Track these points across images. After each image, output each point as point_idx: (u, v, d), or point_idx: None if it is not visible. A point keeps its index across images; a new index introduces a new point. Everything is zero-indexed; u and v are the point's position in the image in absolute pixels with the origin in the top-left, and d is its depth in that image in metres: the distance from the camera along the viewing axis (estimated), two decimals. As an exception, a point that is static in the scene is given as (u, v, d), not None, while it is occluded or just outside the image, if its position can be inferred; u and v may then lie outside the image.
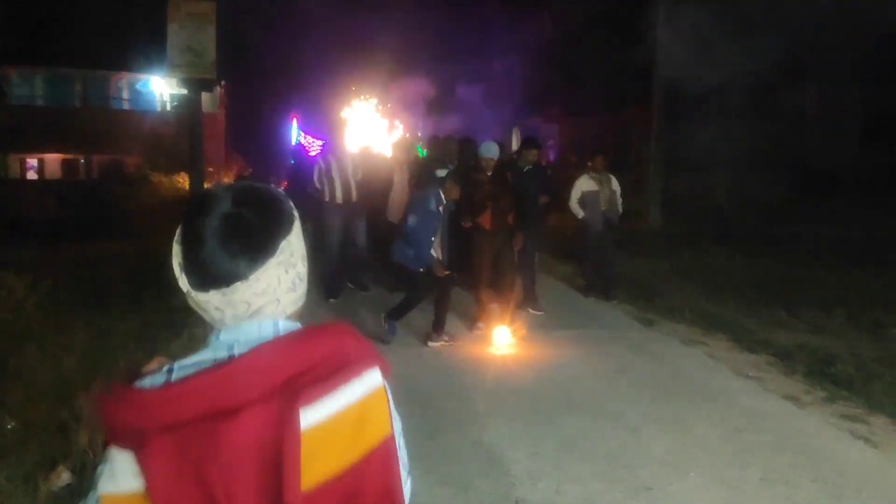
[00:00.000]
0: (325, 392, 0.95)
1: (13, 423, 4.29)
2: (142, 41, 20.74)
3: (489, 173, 6.93)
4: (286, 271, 1.05)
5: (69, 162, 27.92)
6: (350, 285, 8.75)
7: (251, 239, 1.02)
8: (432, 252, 6.35)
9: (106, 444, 0.99)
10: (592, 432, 4.58)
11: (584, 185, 8.41)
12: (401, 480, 1.03)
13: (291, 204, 1.09)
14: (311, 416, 0.93)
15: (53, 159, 27.85)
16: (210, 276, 1.01)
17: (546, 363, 6.08)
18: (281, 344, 1.00)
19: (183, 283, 1.05)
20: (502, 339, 6.40)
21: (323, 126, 8.77)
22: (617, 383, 5.60)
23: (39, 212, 17.54)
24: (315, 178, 8.34)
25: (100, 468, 0.99)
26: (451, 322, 6.93)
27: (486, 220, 6.86)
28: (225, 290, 1.02)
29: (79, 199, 18.37)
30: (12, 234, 13.21)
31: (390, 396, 1.05)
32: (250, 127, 33.17)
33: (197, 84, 11.00)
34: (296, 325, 1.08)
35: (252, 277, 1.01)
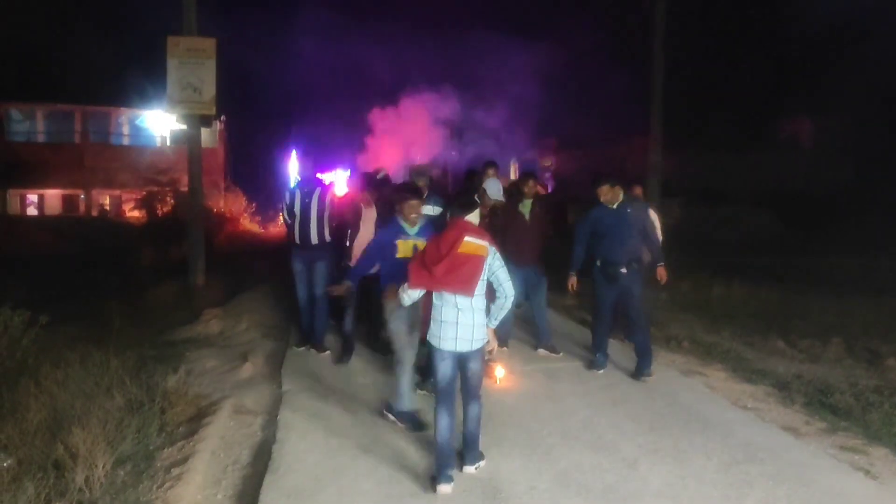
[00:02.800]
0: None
1: (8, 461, 4.26)
2: (141, 77, 21.00)
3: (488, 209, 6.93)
4: None
5: (69, 197, 28.05)
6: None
7: None
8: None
9: None
10: (589, 465, 4.55)
11: None
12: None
13: None
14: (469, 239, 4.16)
15: (53, 195, 28.00)
16: None
17: (542, 395, 6.06)
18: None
19: None
20: (499, 373, 6.36)
21: (309, 157, 7.87)
22: (614, 415, 5.57)
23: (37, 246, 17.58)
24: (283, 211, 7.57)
25: None
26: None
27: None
28: None
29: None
30: (12, 269, 13.23)
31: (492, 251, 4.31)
32: (250, 161, 33.39)
33: (196, 120, 11.12)
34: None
35: None
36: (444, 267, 4.22)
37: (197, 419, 5.41)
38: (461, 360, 4.38)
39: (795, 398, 6.05)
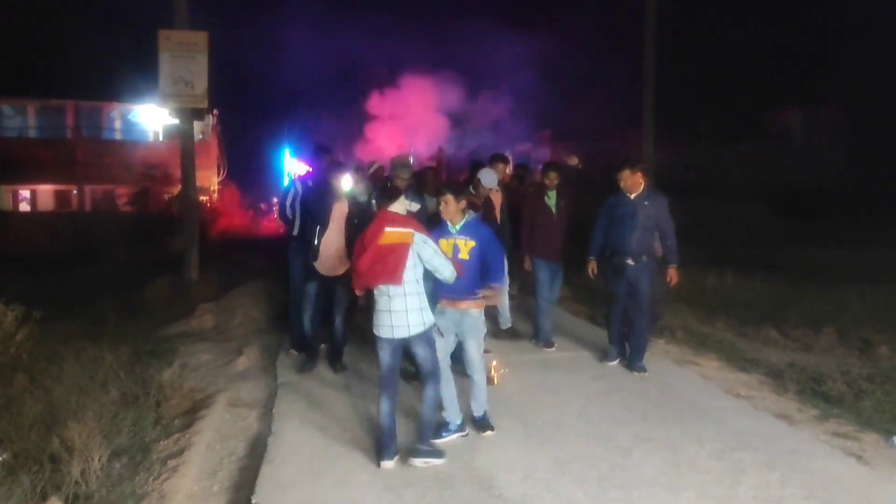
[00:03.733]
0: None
1: (3, 455, 4.27)
2: (133, 72, 20.90)
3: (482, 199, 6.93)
4: None
5: (62, 193, 27.94)
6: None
7: None
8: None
9: None
10: (584, 454, 4.58)
11: None
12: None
13: None
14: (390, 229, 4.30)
15: (46, 190, 27.87)
16: None
17: (537, 385, 6.08)
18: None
19: None
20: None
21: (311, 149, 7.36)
22: (608, 405, 5.60)
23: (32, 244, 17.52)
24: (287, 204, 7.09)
25: None
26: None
27: None
28: None
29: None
30: (5, 265, 13.19)
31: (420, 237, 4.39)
32: (244, 155, 33.31)
33: (189, 114, 11.08)
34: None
35: None
36: (367, 260, 4.33)
37: (192, 412, 5.42)
38: (406, 347, 4.53)
39: (788, 386, 6.09)
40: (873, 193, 19.85)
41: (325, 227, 6.38)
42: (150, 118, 27.72)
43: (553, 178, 7.18)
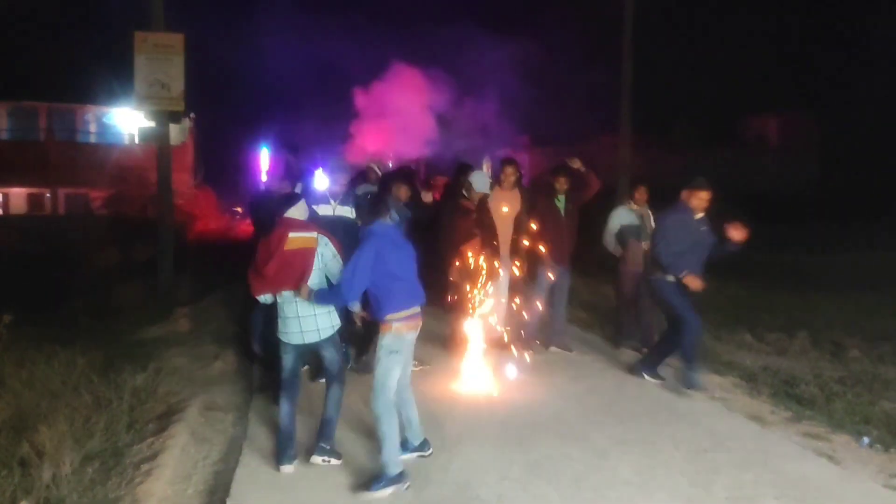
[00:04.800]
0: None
1: (-29, 459, 4.19)
2: (108, 74, 20.66)
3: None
4: None
5: (35, 196, 27.54)
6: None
7: None
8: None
9: None
10: (560, 455, 4.60)
11: (623, 217, 7.54)
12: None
13: None
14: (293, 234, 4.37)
15: (18, 193, 27.45)
16: None
17: (514, 388, 6.09)
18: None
19: None
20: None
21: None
22: (584, 406, 5.63)
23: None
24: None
25: None
26: (424, 349, 6.89)
27: (473, 248, 6.63)
28: None
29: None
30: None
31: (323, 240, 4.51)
32: (220, 158, 33.07)
33: (165, 116, 10.97)
34: None
35: None
36: (273, 266, 4.36)
37: (167, 416, 5.36)
38: (315, 350, 4.57)
39: (762, 389, 6.17)
40: (845, 200, 20.17)
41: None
42: (125, 121, 27.42)
43: (563, 182, 7.21)
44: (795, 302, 9.92)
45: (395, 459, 4.10)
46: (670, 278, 6.18)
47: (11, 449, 4.28)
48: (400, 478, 4.07)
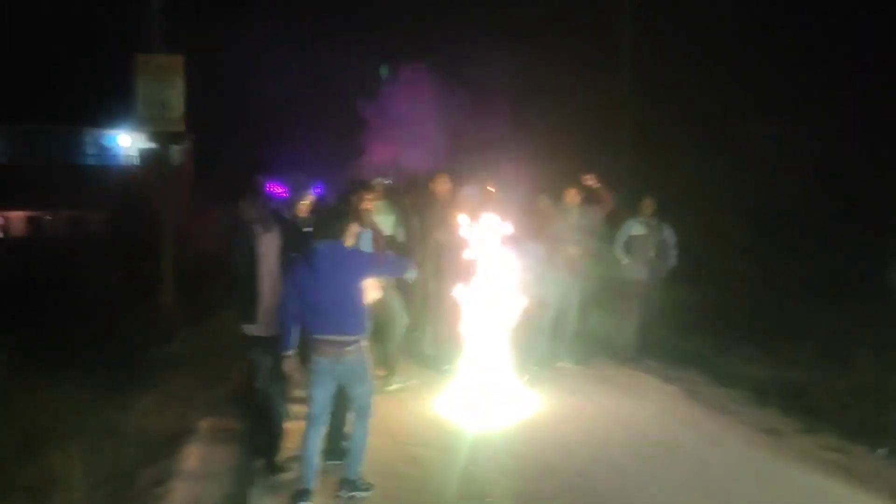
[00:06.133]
0: None
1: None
2: (108, 96, 20.73)
3: None
4: None
5: (35, 219, 27.55)
6: None
7: None
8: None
9: None
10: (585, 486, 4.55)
11: (632, 228, 7.86)
12: None
13: None
14: None
15: (18, 216, 27.46)
16: None
17: (519, 405, 6.04)
18: None
19: None
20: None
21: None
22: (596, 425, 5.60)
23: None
24: None
25: None
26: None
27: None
28: None
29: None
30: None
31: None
32: (221, 178, 33.05)
33: (166, 137, 10.99)
34: None
35: None
36: None
37: (175, 439, 5.31)
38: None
39: (772, 401, 6.13)
40: (844, 208, 20.13)
41: (250, 273, 4.66)
42: (126, 142, 27.48)
43: (573, 195, 7.28)
44: (801, 312, 9.85)
45: (303, 474, 4.15)
46: None
47: (22, 473, 4.23)
48: (299, 495, 4.06)
